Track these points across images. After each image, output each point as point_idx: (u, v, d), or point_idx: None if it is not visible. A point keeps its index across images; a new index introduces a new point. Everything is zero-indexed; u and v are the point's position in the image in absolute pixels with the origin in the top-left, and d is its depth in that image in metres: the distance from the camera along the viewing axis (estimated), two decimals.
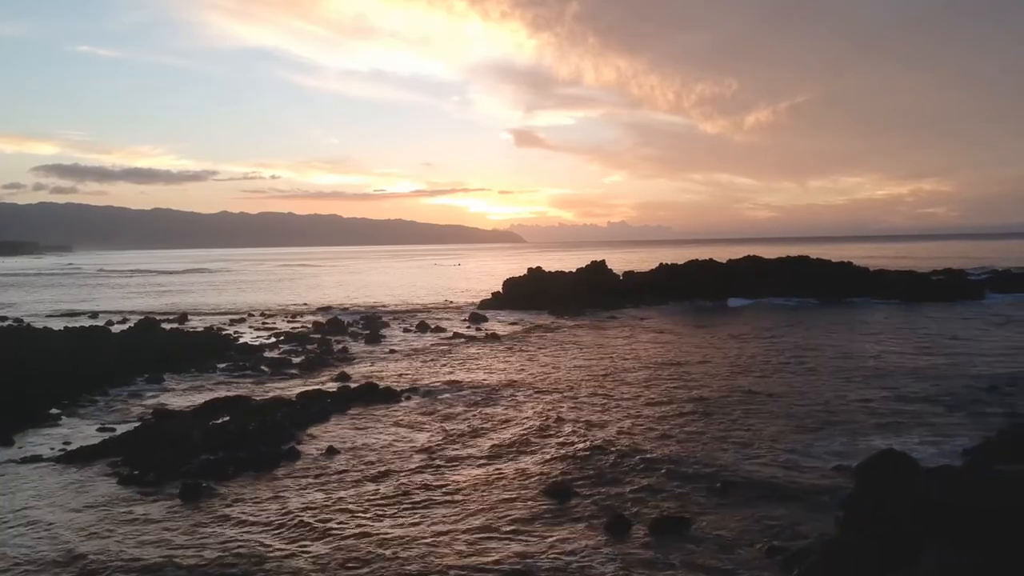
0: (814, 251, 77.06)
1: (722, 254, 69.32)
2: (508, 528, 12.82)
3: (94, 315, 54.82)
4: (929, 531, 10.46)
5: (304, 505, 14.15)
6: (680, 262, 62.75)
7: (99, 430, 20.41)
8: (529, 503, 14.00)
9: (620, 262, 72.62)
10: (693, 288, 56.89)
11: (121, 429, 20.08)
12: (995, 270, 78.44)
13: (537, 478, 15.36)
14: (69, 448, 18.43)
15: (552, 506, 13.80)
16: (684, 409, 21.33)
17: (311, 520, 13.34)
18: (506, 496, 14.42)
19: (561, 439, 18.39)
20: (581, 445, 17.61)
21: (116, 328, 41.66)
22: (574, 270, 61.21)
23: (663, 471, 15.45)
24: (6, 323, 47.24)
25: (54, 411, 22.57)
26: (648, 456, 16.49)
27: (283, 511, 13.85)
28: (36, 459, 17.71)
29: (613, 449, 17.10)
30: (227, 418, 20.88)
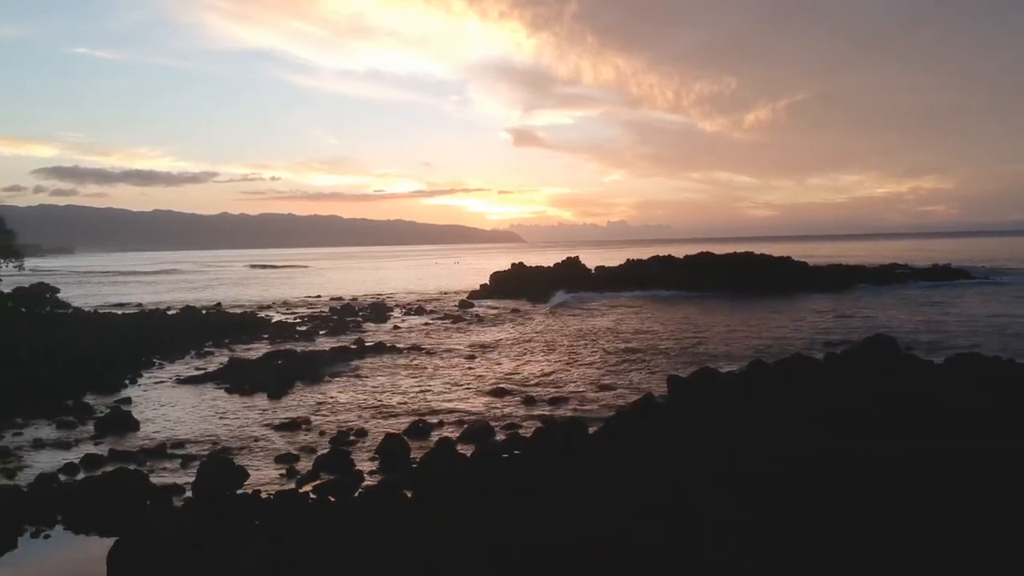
0: (812, 249, 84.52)
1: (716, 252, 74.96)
2: (470, 401, 22.37)
3: (140, 305, 63.86)
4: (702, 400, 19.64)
5: (344, 395, 23.50)
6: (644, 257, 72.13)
7: (196, 369, 29.58)
8: (482, 394, 23.50)
9: (613, 262, 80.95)
10: (654, 280, 65.96)
11: (211, 368, 29.26)
12: (936, 264, 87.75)
13: (489, 385, 24.81)
14: (181, 377, 27.66)
15: (494, 396, 23.21)
16: (598, 350, 31.03)
17: (347, 399, 22.76)
18: (469, 391, 23.95)
19: (507, 369, 27.98)
20: (516, 370, 27.27)
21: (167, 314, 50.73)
22: (552, 265, 70.31)
23: (566, 383, 24.96)
24: (69, 310, 56.17)
25: (156, 361, 31.81)
26: (557, 376, 26.17)
27: (330, 395, 23.21)
28: (162, 383, 26.97)
29: (535, 373, 26.84)
30: (282, 361, 30.04)
